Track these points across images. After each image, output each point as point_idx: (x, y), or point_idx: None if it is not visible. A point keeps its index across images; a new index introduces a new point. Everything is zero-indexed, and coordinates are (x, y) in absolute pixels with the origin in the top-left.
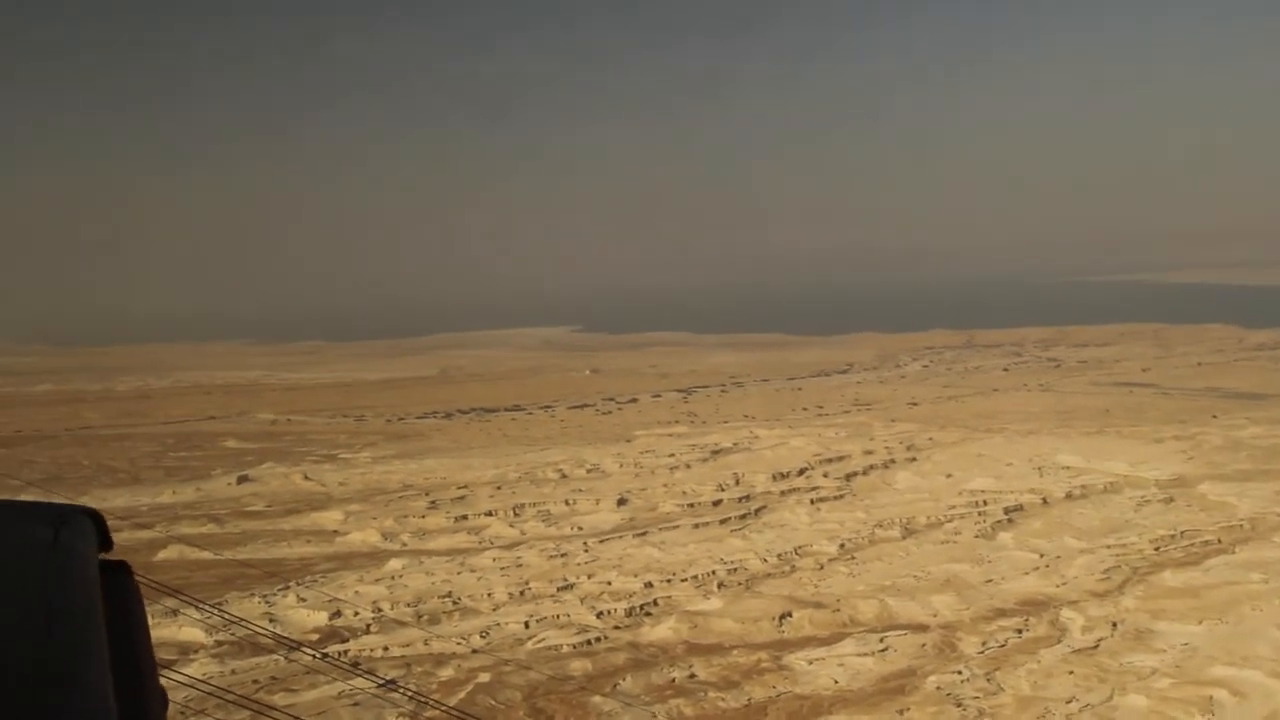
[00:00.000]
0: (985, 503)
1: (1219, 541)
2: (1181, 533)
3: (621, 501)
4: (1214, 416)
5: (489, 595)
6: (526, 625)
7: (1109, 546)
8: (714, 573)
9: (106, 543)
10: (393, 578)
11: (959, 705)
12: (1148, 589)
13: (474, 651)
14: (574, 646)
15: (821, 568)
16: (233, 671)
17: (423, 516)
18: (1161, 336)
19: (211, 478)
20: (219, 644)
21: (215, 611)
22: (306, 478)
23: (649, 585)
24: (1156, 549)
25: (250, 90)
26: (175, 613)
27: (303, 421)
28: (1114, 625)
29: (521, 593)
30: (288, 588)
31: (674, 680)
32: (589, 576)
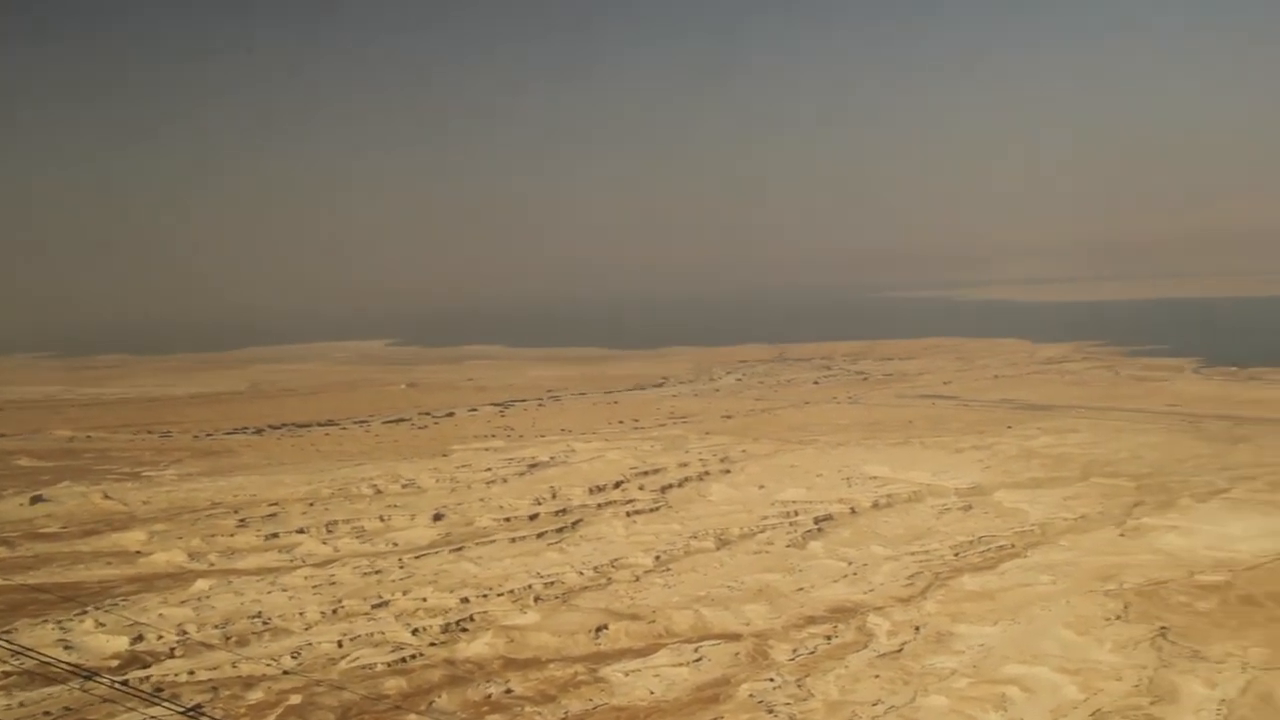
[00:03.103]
0: (796, 513)
1: (1013, 546)
2: (979, 538)
3: (437, 517)
4: (1009, 427)
5: (301, 614)
6: (340, 644)
7: (913, 553)
8: (530, 587)
9: None
10: (199, 599)
11: (771, 712)
12: (948, 593)
13: (285, 673)
14: (388, 665)
15: (637, 580)
16: (21, 704)
17: (231, 535)
18: (961, 350)
19: (2, 498)
20: (6, 675)
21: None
22: (107, 497)
23: (465, 600)
24: (956, 554)
25: (73, 98)
26: None
27: (103, 438)
28: (917, 629)
29: (334, 611)
30: (85, 612)
31: (490, 696)
32: (404, 593)
